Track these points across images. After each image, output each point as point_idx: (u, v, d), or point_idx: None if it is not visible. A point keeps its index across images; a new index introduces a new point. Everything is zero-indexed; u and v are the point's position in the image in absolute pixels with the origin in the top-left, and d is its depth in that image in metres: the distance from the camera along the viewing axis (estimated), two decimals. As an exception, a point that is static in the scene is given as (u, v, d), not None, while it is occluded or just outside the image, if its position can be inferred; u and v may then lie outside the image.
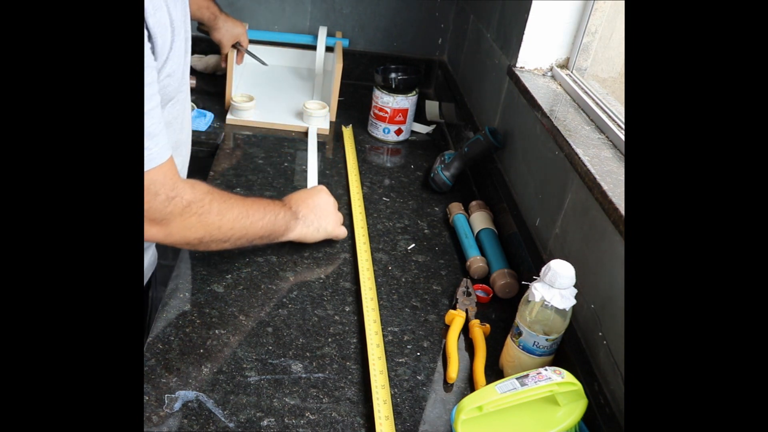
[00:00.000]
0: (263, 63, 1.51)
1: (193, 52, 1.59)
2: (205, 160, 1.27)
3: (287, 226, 0.90)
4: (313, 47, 1.60)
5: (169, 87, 0.75)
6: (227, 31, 1.39)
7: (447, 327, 0.87)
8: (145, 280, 0.98)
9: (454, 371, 0.79)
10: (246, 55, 1.48)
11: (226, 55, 1.41)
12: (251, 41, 1.60)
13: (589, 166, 0.78)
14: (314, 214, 0.94)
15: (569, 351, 0.79)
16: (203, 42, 1.51)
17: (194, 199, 0.75)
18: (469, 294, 0.92)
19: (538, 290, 0.72)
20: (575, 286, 0.72)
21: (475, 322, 0.86)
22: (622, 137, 0.85)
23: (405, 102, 1.36)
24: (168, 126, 0.80)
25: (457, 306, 0.90)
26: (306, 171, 1.22)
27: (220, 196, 0.80)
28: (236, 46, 1.42)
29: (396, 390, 0.76)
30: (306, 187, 1.16)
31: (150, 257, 0.96)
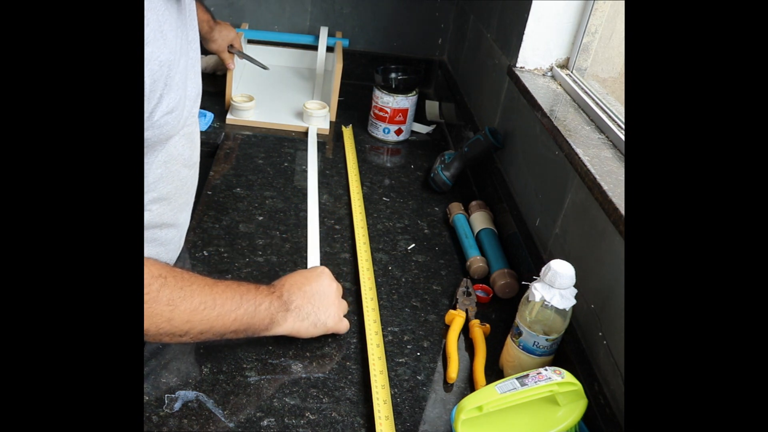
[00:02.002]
0: (264, 67, 1.50)
1: None
2: (205, 160, 1.26)
3: (273, 319, 0.74)
4: (313, 47, 1.60)
5: (168, 125, 0.68)
6: (223, 39, 1.39)
7: (447, 327, 0.87)
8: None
9: (454, 371, 0.79)
10: (246, 61, 1.48)
11: (228, 57, 1.41)
12: (252, 41, 1.61)
13: (589, 166, 0.78)
14: (311, 305, 0.77)
15: (569, 351, 0.79)
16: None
17: None
18: (469, 294, 0.92)
19: (538, 290, 0.72)
20: (575, 286, 0.72)
21: (475, 322, 0.86)
22: (622, 137, 0.85)
23: (405, 102, 1.36)
24: (173, 162, 0.76)
25: (457, 306, 0.90)
26: (306, 171, 1.22)
27: (176, 282, 0.65)
28: (230, 49, 1.42)
29: (396, 390, 0.76)
30: (306, 184, 1.16)
31: None
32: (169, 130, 0.70)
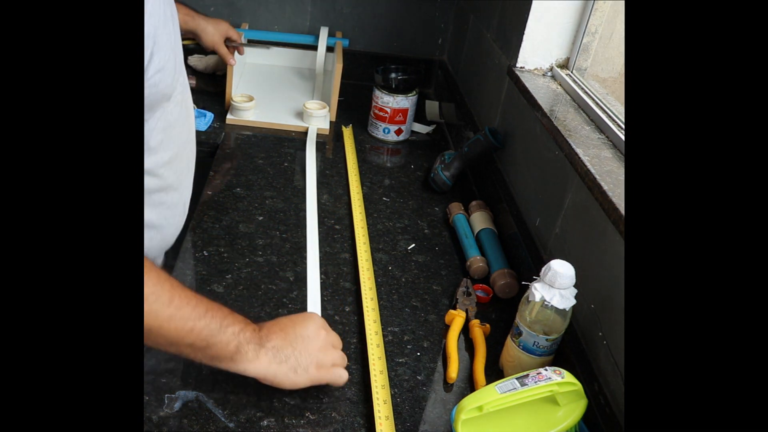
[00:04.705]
0: (267, 47, 1.49)
1: (192, 53, 1.59)
2: (205, 160, 1.27)
3: (240, 348, 0.66)
4: (313, 47, 1.60)
5: (161, 83, 0.68)
6: (215, 30, 1.33)
7: (447, 327, 0.87)
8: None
9: (454, 371, 0.79)
10: (247, 47, 1.46)
11: (227, 52, 1.37)
12: (251, 41, 1.61)
13: (589, 166, 0.78)
14: (292, 348, 0.69)
15: (569, 351, 0.79)
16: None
17: None
18: (469, 294, 0.92)
19: (538, 290, 0.72)
20: (575, 286, 0.72)
21: (475, 322, 0.86)
22: (622, 137, 0.85)
23: (405, 102, 1.36)
24: (170, 128, 0.77)
25: (457, 306, 0.90)
26: (306, 171, 1.22)
27: None
28: (229, 43, 1.37)
29: (396, 390, 0.76)
30: (307, 186, 1.16)
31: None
32: (163, 89, 0.69)
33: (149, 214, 0.78)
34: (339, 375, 0.72)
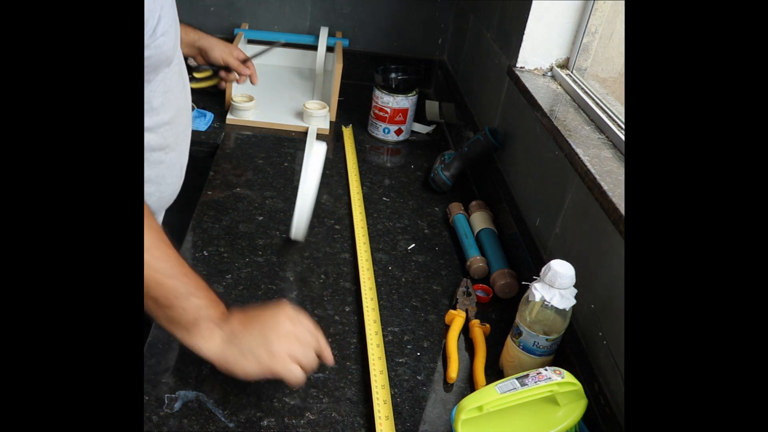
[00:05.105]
0: (279, 45, 1.51)
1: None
2: (205, 160, 1.27)
3: (197, 321, 0.64)
4: (314, 47, 1.60)
5: (165, 46, 0.72)
6: (225, 46, 1.31)
7: (447, 327, 0.87)
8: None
9: (454, 371, 0.79)
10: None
11: (238, 64, 1.33)
12: (252, 41, 1.61)
13: (589, 166, 0.78)
14: (248, 333, 0.66)
15: (569, 351, 0.79)
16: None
17: None
18: (469, 294, 0.92)
19: (538, 290, 0.72)
20: (575, 286, 0.72)
21: (475, 322, 0.86)
22: (622, 137, 0.85)
23: (405, 102, 1.36)
24: (170, 92, 0.81)
25: (457, 306, 0.90)
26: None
27: None
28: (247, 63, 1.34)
29: (396, 390, 0.76)
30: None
31: None
32: (166, 51, 0.73)
33: (149, 171, 0.82)
34: (291, 370, 0.66)
